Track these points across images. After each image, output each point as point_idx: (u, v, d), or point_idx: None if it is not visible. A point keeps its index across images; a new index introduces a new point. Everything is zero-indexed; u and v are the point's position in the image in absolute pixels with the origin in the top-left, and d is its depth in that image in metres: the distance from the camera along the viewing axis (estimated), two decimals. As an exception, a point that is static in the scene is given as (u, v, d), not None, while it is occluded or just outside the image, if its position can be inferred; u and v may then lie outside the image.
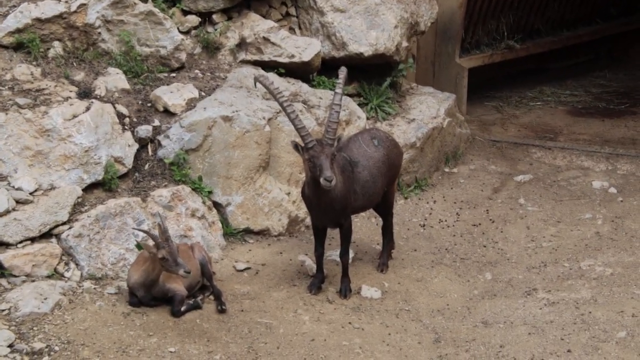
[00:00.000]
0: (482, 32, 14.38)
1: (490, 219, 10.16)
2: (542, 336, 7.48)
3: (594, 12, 16.73)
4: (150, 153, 9.01)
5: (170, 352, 6.97)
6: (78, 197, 8.13)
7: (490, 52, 14.31)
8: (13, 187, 7.90)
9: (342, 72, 7.93)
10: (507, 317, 7.91)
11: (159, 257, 7.23)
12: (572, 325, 7.62)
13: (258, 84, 8.01)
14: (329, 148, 7.50)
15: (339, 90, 7.71)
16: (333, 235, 8.90)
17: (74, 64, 9.22)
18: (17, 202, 7.77)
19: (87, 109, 8.54)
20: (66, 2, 9.20)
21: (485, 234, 9.80)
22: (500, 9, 14.52)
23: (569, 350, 7.21)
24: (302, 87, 10.22)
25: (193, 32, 10.14)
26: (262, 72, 9.87)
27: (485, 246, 9.51)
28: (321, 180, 7.41)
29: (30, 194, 7.91)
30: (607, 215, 10.09)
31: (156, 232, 7.38)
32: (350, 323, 7.76)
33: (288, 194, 9.48)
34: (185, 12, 10.19)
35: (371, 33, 10.74)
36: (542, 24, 15.69)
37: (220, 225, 9.01)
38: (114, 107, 8.84)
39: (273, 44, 10.24)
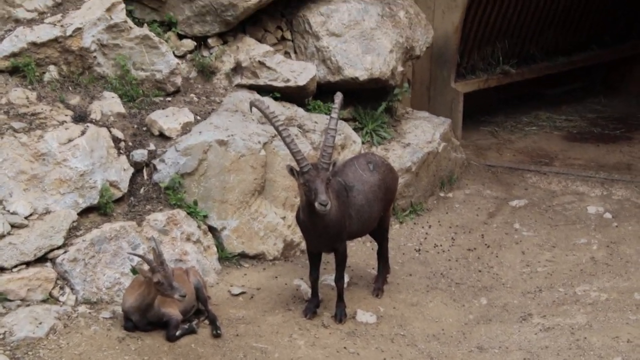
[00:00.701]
0: (478, 57, 14.42)
1: (486, 244, 10.16)
2: (537, 361, 7.48)
3: (589, 38, 16.79)
4: (145, 177, 9.01)
5: (165, 377, 6.96)
6: (73, 221, 8.12)
7: (485, 77, 14.33)
8: (8, 211, 7.89)
9: (338, 97, 7.95)
10: (503, 342, 7.90)
11: (154, 281, 7.21)
12: (568, 351, 7.61)
13: (254, 109, 8.03)
14: (325, 172, 7.51)
15: (334, 115, 7.71)
16: (328, 259, 8.89)
17: (70, 88, 9.22)
18: (12, 226, 7.76)
19: (83, 133, 8.54)
20: (62, 26, 9.21)
21: (480, 259, 9.79)
22: (496, 34, 14.57)
23: (564, 376, 7.22)
24: (298, 112, 10.23)
25: (188, 56, 10.17)
26: (257, 96, 9.90)
27: (480, 271, 9.50)
28: (316, 204, 7.40)
29: (26, 218, 7.90)
30: (602, 241, 10.10)
31: (151, 256, 7.37)
32: (345, 348, 7.74)
33: (283, 218, 9.48)
34: (181, 37, 10.22)
35: (366, 57, 10.77)
36: (537, 49, 15.73)
37: (215, 249, 8.99)
38: (110, 131, 8.85)
39: (268, 68, 10.26)
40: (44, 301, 7.61)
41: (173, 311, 7.55)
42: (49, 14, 9.32)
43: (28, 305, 7.50)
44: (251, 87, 10.30)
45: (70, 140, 8.41)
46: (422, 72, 13.36)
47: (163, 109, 9.47)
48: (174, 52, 9.93)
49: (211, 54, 10.27)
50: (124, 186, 8.69)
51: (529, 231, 10.52)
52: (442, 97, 13.32)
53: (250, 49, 10.35)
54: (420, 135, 11.37)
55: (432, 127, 11.60)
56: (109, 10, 9.37)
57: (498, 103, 15.77)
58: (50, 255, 7.87)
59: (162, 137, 9.21)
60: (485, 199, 11.59)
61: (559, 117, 15.47)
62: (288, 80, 10.30)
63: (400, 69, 11.18)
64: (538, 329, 8.11)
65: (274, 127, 7.70)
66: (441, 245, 10.14)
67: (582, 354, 7.53)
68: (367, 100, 11.24)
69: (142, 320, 7.48)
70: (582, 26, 16.47)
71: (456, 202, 11.44)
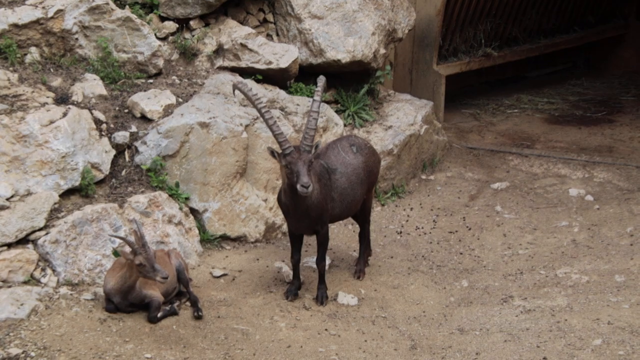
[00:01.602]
0: (460, 40, 14.43)
1: (467, 227, 10.20)
2: (517, 343, 7.49)
3: (572, 20, 16.82)
4: (127, 159, 8.99)
5: (147, 358, 6.96)
6: (55, 203, 8.11)
7: (467, 60, 14.35)
8: (-11, 192, 7.88)
9: (321, 80, 7.95)
10: (483, 324, 7.93)
11: (136, 263, 7.22)
12: (548, 333, 7.65)
13: (237, 91, 8.02)
14: (307, 155, 7.51)
15: (317, 98, 7.71)
16: (310, 242, 8.91)
17: (51, 69, 9.19)
18: (-7, 207, 7.76)
19: (64, 114, 8.51)
20: (43, 7, 9.17)
21: (461, 241, 9.83)
22: (478, 16, 14.58)
23: (544, 358, 7.22)
24: (280, 94, 10.23)
25: (170, 38, 10.14)
26: (240, 78, 9.90)
27: (461, 253, 9.54)
28: (298, 186, 7.41)
29: (7, 199, 7.88)
30: (583, 223, 10.15)
31: (132, 238, 7.37)
32: (326, 330, 7.77)
33: (265, 200, 9.49)
34: (163, 18, 10.19)
35: (349, 40, 10.77)
36: (519, 31, 15.75)
37: (197, 231, 9.00)
38: (91, 113, 8.82)
39: (250, 50, 10.24)
40: (25, 282, 7.61)
41: (154, 293, 7.56)
42: (30, -5, 9.29)
43: (9, 286, 7.49)
44: (233, 70, 10.29)
45: (51, 122, 8.39)
46: (404, 54, 13.38)
47: (145, 91, 9.45)
48: (155, 34, 9.90)
49: (193, 36, 10.25)
50: (106, 168, 8.68)
51: (511, 214, 10.56)
52: (424, 80, 13.35)
53: (232, 31, 10.33)
54: (402, 118, 11.38)
55: (414, 110, 11.62)
56: (90, -9, 9.36)
57: (480, 85, 15.80)
58: (32, 236, 7.86)
59: (144, 119, 9.20)
60: (466, 181, 11.62)
61: (541, 100, 15.53)
62: (270, 63, 10.29)
63: (382, 51, 11.19)
64: (519, 311, 8.14)
65: (257, 110, 7.69)
66: (422, 228, 10.18)
67: (562, 336, 7.56)
68: (349, 82, 11.26)
69: (123, 301, 7.49)
70: (565, 7, 16.50)
71: (438, 185, 11.47)
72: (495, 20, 14.99)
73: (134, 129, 9.10)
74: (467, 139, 13.29)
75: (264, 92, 10.02)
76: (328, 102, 10.81)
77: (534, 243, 9.73)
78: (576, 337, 7.52)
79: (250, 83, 9.78)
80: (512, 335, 7.66)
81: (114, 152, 8.84)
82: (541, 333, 7.65)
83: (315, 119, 7.64)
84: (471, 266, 9.25)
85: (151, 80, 9.73)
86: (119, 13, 9.51)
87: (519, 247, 9.66)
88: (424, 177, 11.64)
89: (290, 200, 7.82)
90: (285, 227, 9.33)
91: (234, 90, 8.14)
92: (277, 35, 10.90)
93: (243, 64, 10.24)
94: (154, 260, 7.26)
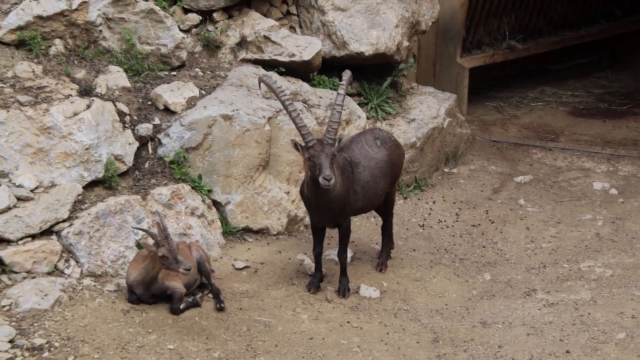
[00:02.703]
0: (484, 32, 14.37)
1: (490, 220, 10.17)
2: (540, 337, 7.48)
3: (598, 12, 16.69)
4: (150, 151, 9.02)
5: (169, 349, 6.99)
6: (78, 195, 8.15)
7: (491, 52, 14.29)
8: (14, 184, 7.91)
9: (346, 74, 7.95)
10: (506, 317, 7.92)
11: (159, 255, 7.24)
12: (571, 326, 7.62)
13: (262, 84, 8.02)
14: (329, 147, 7.50)
15: (341, 91, 7.70)
16: (332, 234, 8.92)
17: (75, 61, 9.22)
18: (18, 199, 7.78)
19: (88, 106, 8.55)
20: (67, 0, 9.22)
21: (484, 235, 9.80)
22: (502, 8, 14.50)
23: (567, 351, 7.21)
24: (303, 86, 10.22)
25: (194, 30, 10.15)
26: (262, 71, 9.91)
27: (484, 247, 9.52)
28: (320, 179, 7.41)
29: (31, 191, 7.92)
30: (607, 217, 10.10)
31: (155, 230, 7.40)
32: (348, 322, 7.77)
33: (287, 193, 9.49)
34: (186, 11, 10.19)
35: (372, 32, 10.74)
36: (544, 24, 15.65)
37: (219, 223, 9.02)
38: (115, 105, 8.85)
39: (274, 42, 10.24)
40: (49, 273, 7.65)
41: (177, 284, 7.58)
42: (54, -13, 9.32)
43: (33, 277, 7.54)
44: (256, 62, 10.29)
45: (75, 114, 8.42)
46: (427, 47, 13.33)
47: (168, 83, 9.47)
48: (179, 26, 9.91)
49: (216, 28, 10.25)
50: (129, 160, 8.71)
51: (534, 207, 10.52)
52: (447, 73, 13.30)
53: (256, 23, 10.32)
54: (426, 111, 11.36)
55: (437, 103, 11.59)
56: (114, -17, 9.39)
57: (504, 78, 15.72)
58: (56, 228, 7.90)
59: (167, 111, 9.22)
60: (490, 174, 11.59)
61: (565, 93, 15.43)
62: (293, 55, 10.28)
63: (405, 44, 11.16)
64: (542, 304, 8.12)
65: (281, 102, 7.69)
66: (445, 221, 10.16)
67: (586, 330, 7.53)
68: (372, 75, 11.23)
69: (146, 293, 7.52)
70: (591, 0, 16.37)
71: (461, 178, 11.44)
72: (519, 13, 14.92)
73: (157, 121, 9.13)
74: (491, 132, 13.25)
75: (287, 85, 10.01)
76: (351, 95, 10.79)
77: (558, 236, 9.69)
78: (600, 330, 7.50)
79: (274, 76, 9.78)
80: (535, 328, 7.64)
81: (137, 144, 8.87)
82: (564, 326, 7.63)
83: (339, 113, 7.63)
84: (494, 259, 9.22)
85: (174, 73, 9.75)
86: (143, 5, 9.53)
87: (542, 240, 9.63)
88: (446, 170, 11.61)
89: (313, 193, 7.82)
90: (307, 220, 9.33)
91: (259, 84, 8.14)
92: (300, 27, 10.89)
93: (266, 56, 10.24)
94: (177, 252, 7.28)
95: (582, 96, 15.33)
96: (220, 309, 7.72)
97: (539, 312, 7.96)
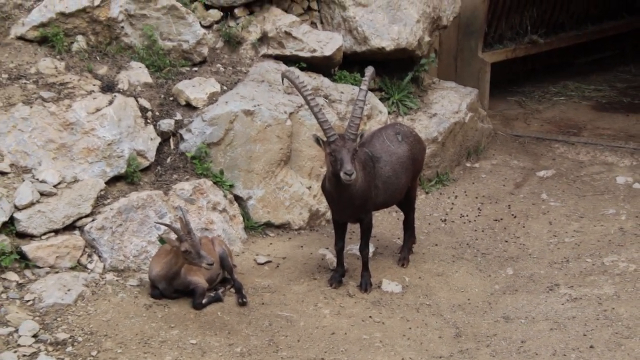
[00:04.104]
0: (506, 27, 14.32)
1: (512, 214, 10.13)
2: (564, 332, 7.45)
3: (620, 5, 16.59)
4: (172, 147, 9.05)
5: (192, 344, 7.01)
6: (101, 190, 8.19)
7: (513, 47, 14.24)
8: (37, 179, 7.96)
9: (369, 70, 7.95)
10: (529, 312, 7.89)
11: (182, 250, 7.26)
12: (595, 321, 7.59)
13: (285, 80, 8.03)
14: (351, 143, 7.50)
15: (364, 87, 7.71)
16: (354, 229, 8.91)
17: (97, 58, 9.27)
18: (41, 194, 7.83)
19: (110, 102, 8.59)
20: (90, -4, 9.26)
21: (507, 229, 9.77)
22: (524, 3, 14.46)
23: (591, 346, 7.18)
24: (324, 82, 10.22)
25: (215, 26, 10.16)
26: (284, 66, 9.94)
27: (506, 241, 9.48)
28: (341, 174, 7.41)
29: (54, 186, 7.97)
30: (630, 211, 10.04)
31: (178, 225, 7.42)
32: (370, 317, 7.77)
33: (309, 188, 9.50)
34: (208, 7, 10.20)
35: (393, 27, 10.72)
36: (566, 18, 15.59)
37: (241, 218, 9.04)
38: (137, 101, 8.88)
39: (295, 38, 10.24)
40: (72, 268, 7.69)
41: (199, 279, 7.61)
42: (76, -16, 9.36)
43: (57, 272, 7.58)
44: (277, 58, 10.29)
45: (98, 110, 8.47)
46: (449, 42, 13.29)
47: (190, 79, 9.50)
48: (200, 22, 9.92)
49: (237, 24, 10.26)
50: (151, 155, 8.74)
51: (557, 201, 10.48)
52: (469, 67, 13.25)
53: (277, 19, 10.33)
54: (447, 106, 11.33)
55: (458, 97, 11.56)
56: (135, -20, 9.42)
57: (526, 73, 15.66)
58: (79, 223, 7.94)
59: (189, 107, 9.25)
60: (512, 169, 11.55)
61: (588, 87, 15.34)
62: (314, 51, 10.28)
63: (427, 39, 11.13)
64: (565, 299, 8.08)
65: (303, 97, 7.69)
66: (467, 216, 10.13)
67: (609, 325, 7.50)
68: (393, 70, 11.21)
69: (168, 288, 7.55)
70: (613, -8, 16.30)
71: (483, 173, 11.41)
72: (541, 7, 14.86)
73: (179, 116, 9.15)
74: (513, 127, 13.20)
75: (308, 80, 10.00)
76: (372, 90, 10.77)
77: (581, 231, 9.64)
78: (624, 325, 7.46)
79: (296, 71, 9.79)
80: (558, 323, 7.62)
81: (159, 139, 8.90)
82: (588, 321, 7.60)
83: (361, 108, 7.63)
84: (516, 254, 9.19)
85: (196, 68, 9.77)
86: (164, 1, 9.55)
87: (565, 235, 9.58)
88: (468, 164, 11.58)
89: (334, 188, 7.82)
90: (329, 215, 9.33)
91: (282, 79, 8.15)
92: (322, 23, 10.88)
93: (287, 52, 10.24)
94: (199, 247, 7.30)
95: (605, 90, 15.23)
96: (243, 304, 7.74)
97: (562, 307, 7.93)
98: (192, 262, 7.34)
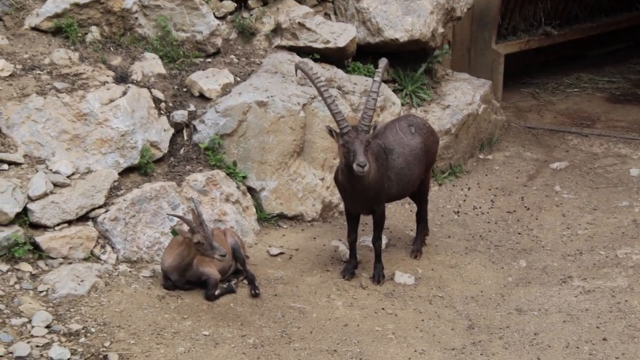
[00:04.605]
0: (519, 18, 14.27)
1: (525, 206, 10.11)
2: (577, 324, 7.44)
3: (634, -3, 16.54)
4: (185, 138, 9.06)
5: (204, 335, 7.02)
6: (114, 181, 8.20)
7: (527, 39, 14.19)
8: (51, 170, 7.97)
9: (382, 62, 7.94)
10: (542, 304, 7.88)
11: (194, 241, 7.28)
12: (608, 314, 7.58)
13: (299, 71, 8.01)
14: (364, 135, 7.48)
15: (377, 79, 7.70)
16: (366, 221, 8.91)
17: (111, 48, 9.27)
18: (55, 185, 7.84)
19: (124, 93, 8.59)
20: (104, -13, 9.27)
21: (520, 221, 9.76)
22: (538, -6, 14.41)
23: (604, 339, 7.17)
24: (337, 73, 10.21)
25: (229, 17, 10.16)
26: (297, 57, 9.93)
27: (519, 233, 9.47)
28: (354, 165, 7.40)
29: (68, 177, 7.98)
30: (644, 203, 10.04)
31: (190, 216, 7.43)
32: (383, 309, 7.77)
33: (322, 179, 9.49)
34: (221, -2, 10.22)
35: (407, 19, 10.70)
36: (580, 9, 15.53)
37: (254, 210, 9.05)
38: (150, 92, 8.89)
39: (308, 29, 10.23)
40: (85, 259, 7.70)
41: (212, 271, 7.62)
42: (90, -25, 9.36)
43: (70, 263, 7.59)
44: (291, 49, 10.28)
45: (111, 101, 8.47)
46: (462, 33, 13.25)
47: (203, 70, 9.50)
48: (214, 14, 9.92)
49: (251, 15, 10.26)
50: (164, 146, 8.75)
51: (570, 193, 10.45)
52: (482, 59, 13.22)
53: (290, 10, 10.32)
54: (460, 97, 11.31)
55: (472, 89, 11.54)
56: (149, -29, 9.42)
57: (539, 64, 15.61)
58: (92, 214, 7.95)
59: (202, 98, 9.25)
60: (525, 161, 11.52)
61: (602, 79, 15.29)
62: (328, 42, 10.27)
63: (440, 30, 11.11)
64: (578, 291, 8.07)
65: (316, 88, 7.68)
66: (480, 208, 10.11)
67: (623, 317, 7.49)
68: (406, 61, 11.19)
69: (181, 279, 7.56)
70: (627, -16, 16.22)
71: (496, 164, 11.39)
72: (555, -2, 14.81)
73: (192, 107, 9.16)
74: (526, 118, 13.17)
75: (322, 71, 10.00)
76: (385, 82, 10.76)
77: (594, 223, 9.62)
78: (637, 318, 7.45)
79: (309, 63, 9.78)
80: (572, 315, 7.61)
81: (172, 130, 8.90)
82: (601, 314, 7.59)
83: (375, 100, 7.61)
84: (529, 246, 9.17)
85: (209, 59, 9.78)
86: (178, -8, 9.57)
87: (578, 227, 9.56)
88: (481, 156, 11.56)
89: (347, 179, 7.81)
90: (341, 206, 9.34)
91: (295, 70, 8.14)
92: (335, 14, 10.87)
93: (301, 43, 10.23)
94: (212, 238, 7.31)
95: (618, 82, 15.18)
96: (255, 295, 7.75)
97: (575, 300, 7.92)
98: (204, 253, 7.35)
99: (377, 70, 7.85)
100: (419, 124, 8.60)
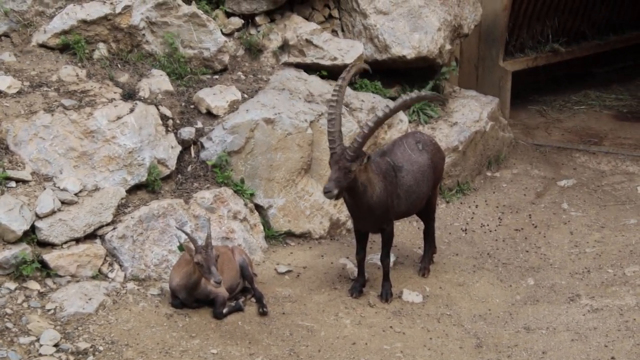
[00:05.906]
0: (527, 35, 14.26)
1: (533, 224, 10.09)
2: (585, 343, 7.42)
3: (642, 15, 16.53)
4: (192, 155, 9.06)
5: (213, 353, 7.01)
6: (122, 198, 8.20)
7: (534, 56, 14.18)
8: (58, 187, 7.97)
9: (401, 99, 7.82)
10: (550, 323, 7.86)
11: (194, 261, 7.25)
12: (616, 332, 7.56)
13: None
14: (344, 161, 7.45)
15: (380, 113, 7.61)
16: (374, 238, 8.89)
17: (119, 65, 9.29)
18: (63, 202, 7.84)
19: (131, 110, 8.59)
20: (111, 3, 9.27)
21: (527, 239, 9.73)
22: (546, 11, 14.39)
23: (612, 358, 7.16)
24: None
25: (236, 34, 10.18)
26: (305, 74, 9.93)
27: (527, 251, 9.44)
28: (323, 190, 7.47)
29: (75, 194, 7.98)
30: (652, 221, 10.02)
31: (197, 235, 7.41)
32: (391, 327, 7.75)
33: (330, 197, 9.48)
34: (229, 14, 10.23)
35: (414, 36, 10.71)
36: (588, 27, 15.51)
37: (262, 227, 9.03)
38: (158, 109, 8.90)
39: (315, 46, 10.24)
40: (93, 277, 7.70)
41: (220, 289, 7.59)
42: (98, -8, 9.39)
43: (78, 281, 7.59)
44: (298, 66, 10.30)
45: (119, 118, 8.48)
46: (470, 50, 13.26)
47: (210, 87, 9.51)
48: (221, 30, 9.94)
49: (258, 32, 10.28)
50: (172, 164, 8.75)
51: (578, 211, 10.43)
52: (490, 76, 13.21)
53: (298, 27, 10.34)
54: (468, 114, 11.30)
55: (479, 106, 11.52)
56: (157, -12, 9.45)
57: (547, 82, 15.60)
58: (100, 231, 7.95)
59: (210, 115, 9.25)
60: (533, 178, 11.50)
61: (609, 96, 15.26)
62: (335, 59, 10.28)
63: (448, 47, 11.11)
64: (586, 310, 8.05)
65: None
66: (488, 225, 10.09)
67: (631, 336, 7.47)
68: (414, 79, 11.19)
69: (189, 297, 7.55)
70: (636, 2, 16.16)
71: (503, 182, 11.37)
72: (563, 16, 14.79)
73: (199, 124, 9.16)
74: (534, 136, 13.15)
75: (328, 88, 10.00)
76: (393, 99, 10.72)
77: (602, 241, 9.59)
78: (645, 337, 7.44)
79: (314, 79, 9.80)
80: (580, 334, 7.59)
81: (179, 147, 8.90)
82: (609, 332, 7.56)
83: (366, 133, 7.50)
84: (537, 264, 9.15)
85: (217, 76, 9.79)
86: (186, 9, 9.57)
87: (586, 245, 9.53)
88: (489, 174, 11.54)
89: (350, 199, 7.84)
90: (349, 224, 9.33)
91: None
92: (342, 31, 10.88)
93: (308, 59, 10.24)
94: (212, 262, 7.24)
95: (626, 100, 15.14)
96: (263, 314, 7.73)
97: (584, 318, 7.89)
98: (203, 275, 7.31)
99: (388, 105, 7.79)
100: (426, 140, 8.60)
